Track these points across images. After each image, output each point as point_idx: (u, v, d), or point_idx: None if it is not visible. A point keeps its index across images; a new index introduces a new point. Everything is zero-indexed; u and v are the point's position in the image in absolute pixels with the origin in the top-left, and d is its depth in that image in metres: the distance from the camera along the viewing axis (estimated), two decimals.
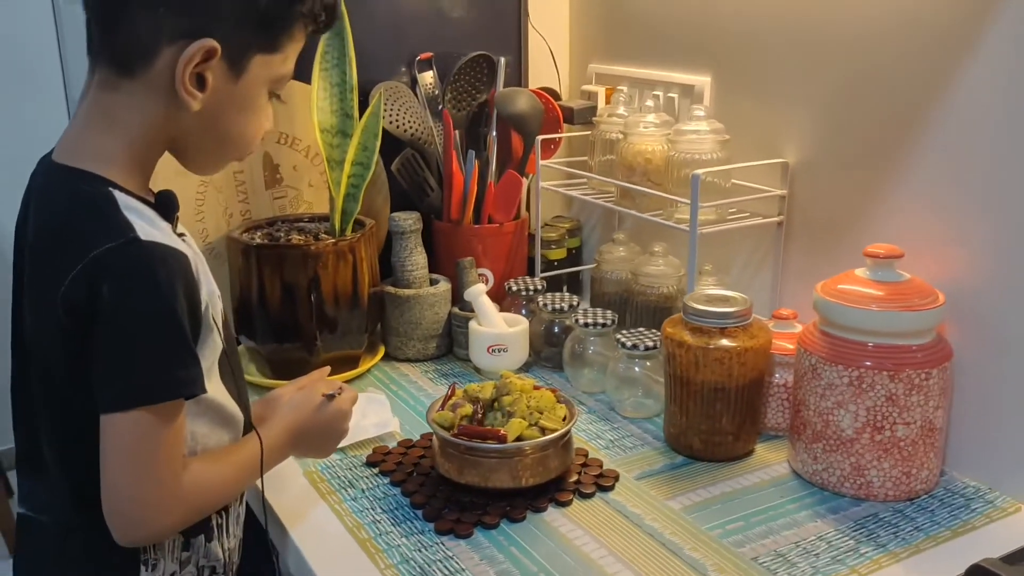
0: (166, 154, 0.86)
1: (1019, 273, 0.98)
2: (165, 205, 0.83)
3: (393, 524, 0.97)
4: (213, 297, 0.84)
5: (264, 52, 0.82)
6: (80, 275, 0.74)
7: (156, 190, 0.85)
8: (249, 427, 0.92)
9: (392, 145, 1.43)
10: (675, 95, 1.40)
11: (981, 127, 0.99)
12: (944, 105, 1.03)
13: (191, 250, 0.82)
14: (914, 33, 1.04)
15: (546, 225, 1.61)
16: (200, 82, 0.79)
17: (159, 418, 0.77)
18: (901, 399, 0.97)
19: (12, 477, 2.67)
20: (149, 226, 0.78)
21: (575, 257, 1.62)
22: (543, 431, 1.01)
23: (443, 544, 0.94)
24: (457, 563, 0.90)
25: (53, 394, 0.82)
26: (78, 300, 0.74)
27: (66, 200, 0.78)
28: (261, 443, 0.89)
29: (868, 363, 0.98)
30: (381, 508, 1.00)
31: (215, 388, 0.86)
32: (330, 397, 0.99)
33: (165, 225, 0.81)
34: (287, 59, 0.85)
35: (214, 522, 0.90)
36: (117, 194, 0.78)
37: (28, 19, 2.49)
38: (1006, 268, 0.99)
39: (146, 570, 0.85)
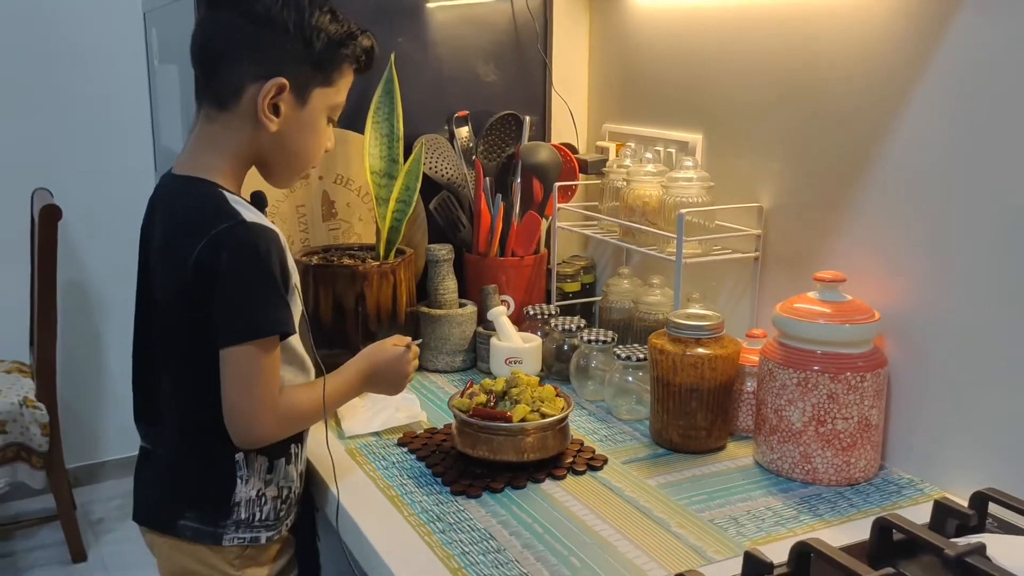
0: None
1: (944, 299, 1.17)
2: (258, 201, 1.12)
3: (417, 487, 1.18)
4: (294, 272, 1.10)
5: (322, 86, 1.10)
6: (205, 247, 1.00)
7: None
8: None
9: (431, 188, 1.68)
10: (673, 150, 1.63)
11: (913, 176, 1.20)
12: (882, 159, 1.24)
13: (279, 231, 1.09)
14: (857, 91, 1.26)
15: (563, 262, 1.83)
16: (275, 110, 1.07)
17: (262, 350, 1.02)
18: (841, 397, 1.17)
19: (78, 493, 2.93)
20: (251, 213, 1.04)
21: (589, 291, 1.84)
22: (543, 416, 1.22)
23: (456, 501, 1.15)
24: (467, 514, 1.11)
25: (174, 346, 1.08)
26: (204, 264, 1.01)
27: (190, 198, 1.06)
28: (324, 380, 1.12)
29: (816, 367, 1.18)
30: (407, 475, 1.22)
31: (297, 341, 1.11)
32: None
33: (260, 213, 1.08)
34: (339, 91, 1.13)
35: (292, 450, 1.15)
36: (225, 193, 1.06)
37: (125, 79, 2.80)
38: (934, 295, 1.19)
39: (241, 483, 1.09)
